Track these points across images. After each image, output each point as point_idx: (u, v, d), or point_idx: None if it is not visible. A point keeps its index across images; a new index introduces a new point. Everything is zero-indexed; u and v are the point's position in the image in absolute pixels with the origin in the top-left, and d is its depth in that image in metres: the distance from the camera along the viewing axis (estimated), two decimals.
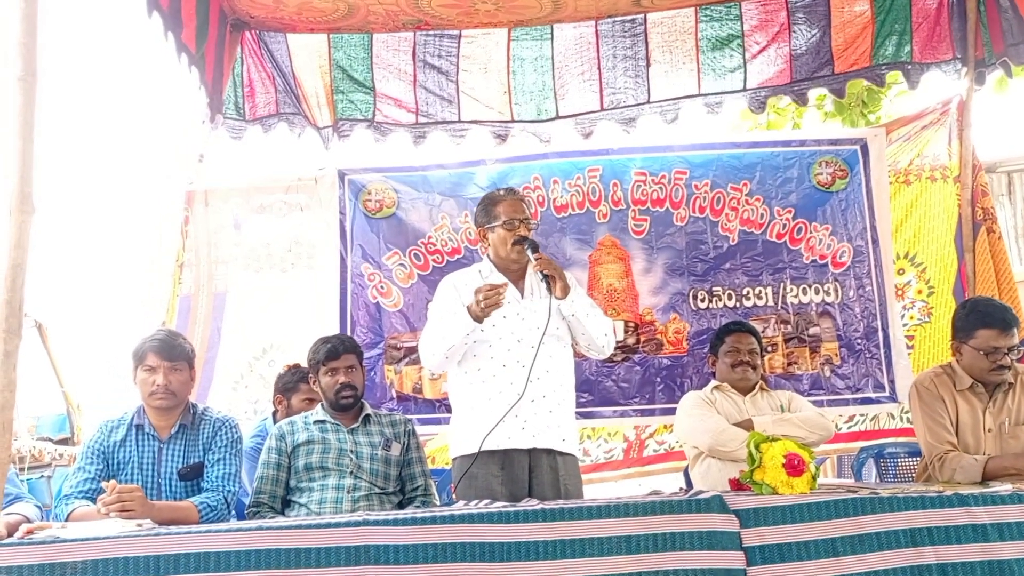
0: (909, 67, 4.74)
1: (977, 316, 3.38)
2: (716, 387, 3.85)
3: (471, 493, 3.14)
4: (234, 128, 4.87)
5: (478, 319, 3.16)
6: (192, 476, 3.06)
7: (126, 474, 3.02)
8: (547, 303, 3.24)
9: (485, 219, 3.45)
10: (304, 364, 3.92)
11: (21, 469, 5.83)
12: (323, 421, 3.34)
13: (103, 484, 2.74)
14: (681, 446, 4.34)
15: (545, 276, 3.24)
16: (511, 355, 3.26)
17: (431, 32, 4.81)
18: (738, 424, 3.62)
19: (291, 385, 4.00)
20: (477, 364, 3.30)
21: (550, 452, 3.24)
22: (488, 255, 3.50)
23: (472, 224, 4.56)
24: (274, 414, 4.06)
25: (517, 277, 3.42)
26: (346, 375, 3.34)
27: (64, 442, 6.73)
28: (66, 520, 2.80)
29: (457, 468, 3.32)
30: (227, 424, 3.19)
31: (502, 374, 3.24)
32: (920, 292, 4.74)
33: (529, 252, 3.30)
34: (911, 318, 4.73)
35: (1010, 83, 5.45)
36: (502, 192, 3.55)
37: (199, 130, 4.75)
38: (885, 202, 4.70)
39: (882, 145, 4.75)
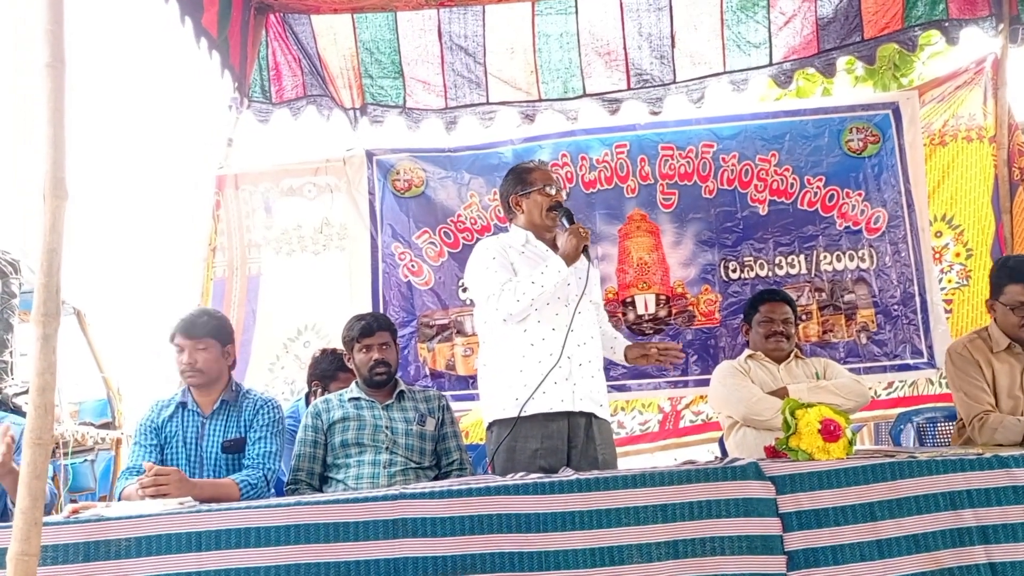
0: (947, 24, 4.64)
1: (1006, 272, 3.37)
2: (750, 356, 3.83)
3: (509, 459, 3.14)
4: (261, 111, 4.93)
5: (569, 259, 3.16)
6: (235, 450, 3.11)
7: (172, 448, 3.10)
8: (586, 268, 3.27)
9: (519, 187, 3.41)
10: (339, 348, 3.97)
11: (65, 453, 5.95)
12: (358, 398, 3.37)
13: (144, 465, 2.80)
14: (717, 416, 4.33)
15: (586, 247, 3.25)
16: (559, 319, 3.23)
17: (455, 8, 4.79)
18: (773, 393, 3.59)
19: (329, 372, 4.01)
20: (524, 326, 3.23)
21: (588, 417, 3.25)
22: (518, 224, 3.45)
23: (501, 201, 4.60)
24: (307, 396, 4.09)
25: (551, 246, 3.41)
26: (380, 352, 3.37)
27: (106, 426, 6.84)
28: (118, 498, 2.87)
29: (496, 432, 3.26)
30: (269, 404, 3.22)
31: (552, 337, 3.19)
32: (958, 255, 4.66)
33: (564, 220, 3.30)
34: (949, 281, 4.66)
35: None
36: (534, 162, 3.58)
37: (227, 115, 4.79)
38: (920, 165, 4.63)
39: (915, 108, 4.67)
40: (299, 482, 3.23)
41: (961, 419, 3.44)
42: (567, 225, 3.27)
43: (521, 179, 3.43)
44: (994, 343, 3.38)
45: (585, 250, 3.20)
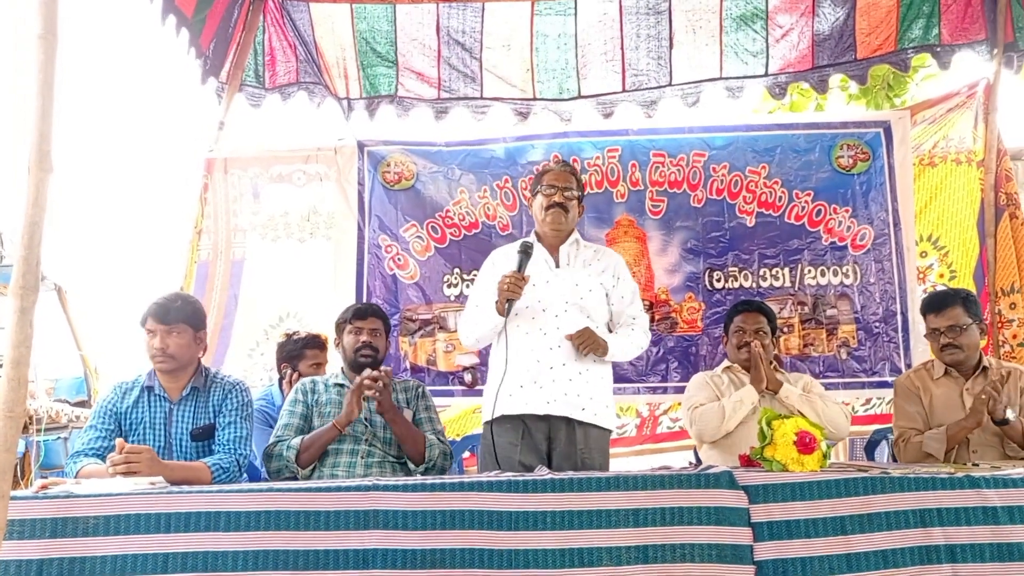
0: (939, 49, 4.71)
1: (924, 304, 3.66)
2: (727, 368, 3.82)
3: (489, 452, 3.22)
4: (253, 95, 4.92)
5: (501, 314, 3.22)
6: (204, 437, 3.07)
7: (138, 435, 3.03)
8: (572, 274, 3.37)
9: (534, 187, 3.54)
10: (305, 333, 4.12)
11: (38, 430, 5.90)
12: (342, 386, 3.36)
13: (116, 442, 2.77)
14: None
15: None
16: (535, 323, 3.29)
17: (454, 4, 4.79)
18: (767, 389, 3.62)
19: (296, 352, 4.04)
20: (510, 328, 3.30)
21: (568, 421, 3.25)
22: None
23: (491, 199, 4.63)
24: (280, 381, 4.08)
25: (555, 245, 3.46)
26: (369, 336, 3.38)
27: (81, 404, 6.78)
28: (75, 477, 2.83)
29: (482, 434, 3.39)
30: (237, 388, 3.18)
31: (524, 341, 3.28)
32: (942, 276, 4.69)
33: (517, 259, 3.28)
34: None
35: None
36: (553, 163, 3.72)
37: (213, 98, 4.77)
38: (909, 185, 4.65)
39: (906, 128, 4.69)
40: (282, 443, 3.19)
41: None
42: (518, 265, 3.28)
43: (537, 179, 3.54)
44: (934, 371, 3.60)
45: (509, 303, 3.21)
